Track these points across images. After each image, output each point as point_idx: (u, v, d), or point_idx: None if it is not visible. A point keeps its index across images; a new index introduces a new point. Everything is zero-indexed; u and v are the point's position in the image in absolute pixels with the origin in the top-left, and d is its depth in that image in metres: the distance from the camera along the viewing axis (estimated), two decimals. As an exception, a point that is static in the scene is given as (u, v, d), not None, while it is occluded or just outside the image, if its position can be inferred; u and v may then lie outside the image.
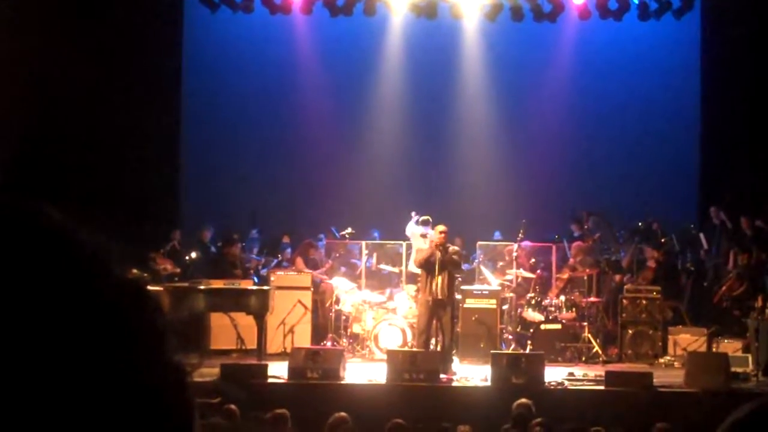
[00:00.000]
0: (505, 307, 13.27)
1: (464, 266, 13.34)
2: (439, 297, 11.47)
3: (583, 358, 12.77)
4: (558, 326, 12.92)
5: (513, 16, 16.14)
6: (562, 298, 13.36)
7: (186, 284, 12.55)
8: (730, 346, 12.29)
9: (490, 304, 12.90)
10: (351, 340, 12.98)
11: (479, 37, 17.53)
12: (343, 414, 8.07)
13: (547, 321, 12.97)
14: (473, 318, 12.71)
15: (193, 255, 14.65)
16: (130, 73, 15.56)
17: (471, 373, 11.35)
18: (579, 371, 11.69)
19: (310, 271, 13.85)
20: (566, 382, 10.99)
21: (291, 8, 16.23)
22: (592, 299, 13.51)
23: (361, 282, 13.73)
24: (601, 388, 10.70)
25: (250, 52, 17.21)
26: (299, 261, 14.14)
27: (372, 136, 17.68)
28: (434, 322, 11.65)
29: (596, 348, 12.89)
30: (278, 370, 10.89)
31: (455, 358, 12.08)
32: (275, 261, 15.05)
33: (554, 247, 14.61)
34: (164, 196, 16.21)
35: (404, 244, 13.91)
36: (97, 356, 0.73)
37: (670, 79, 16.97)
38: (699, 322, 13.41)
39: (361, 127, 17.71)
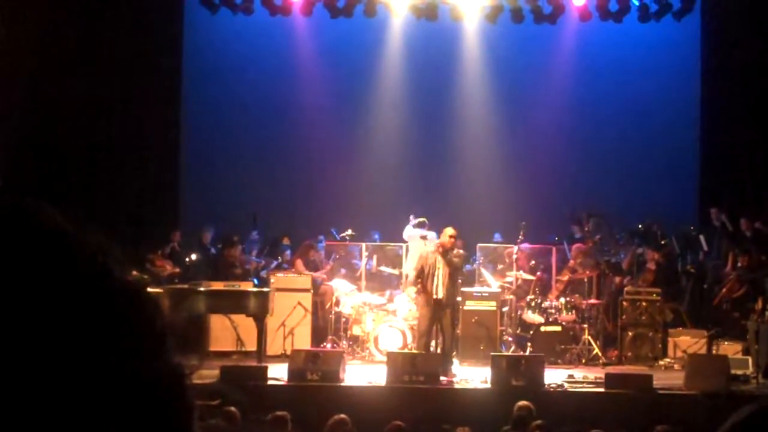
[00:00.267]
0: (505, 309, 13.28)
1: (465, 267, 13.35)
2: (440, 299, 11.47)
3: (583, 360, 12.76)
4: (558, 328, 12.92)
5: (513, 18, 16.14)
6: (562, 300, 13.34)
7: (186, 286, 12.52)
8: (730, 349, 12.28)
9: (490, 306, 12.92)
10: (351, 342, 12.97)
11: (479, 38, 17.51)
12: (343, 416, 8.06)
13: (547, 323, 12.96)
14: (473, 320, 12.72)
15: (193, 257, 14.65)
16: (131, 75, 15.57)
17: (471, 375, 11.35)
18: (579, 373, 11.68)
19: (310, 273, 13.84)
20: (566, 384, 10.99)
21: (291, 9, 16.22)
22: (592, 301, 13.49)
23: (361, 284, 13.71)
24: (601, 390, 10.69)
25: (251, 53, 17.18)
26: (299, 263, 14.11)
27: (372, 137, 17.66)
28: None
29: (596, 350, 12.88)
30: (278, 372, 10.88)
31: (455, 360, 12.06)
32: (275, 263, 15.02)
33: (554, 249, 14.62)
34: (164, 197, 16.21)
35: (404, 246, 13.91)
36: (97, 357, 0.73)
37: (670, 81, 16.95)
38: (699, 324, 13.39)
39: (361, 129, 17.69)
